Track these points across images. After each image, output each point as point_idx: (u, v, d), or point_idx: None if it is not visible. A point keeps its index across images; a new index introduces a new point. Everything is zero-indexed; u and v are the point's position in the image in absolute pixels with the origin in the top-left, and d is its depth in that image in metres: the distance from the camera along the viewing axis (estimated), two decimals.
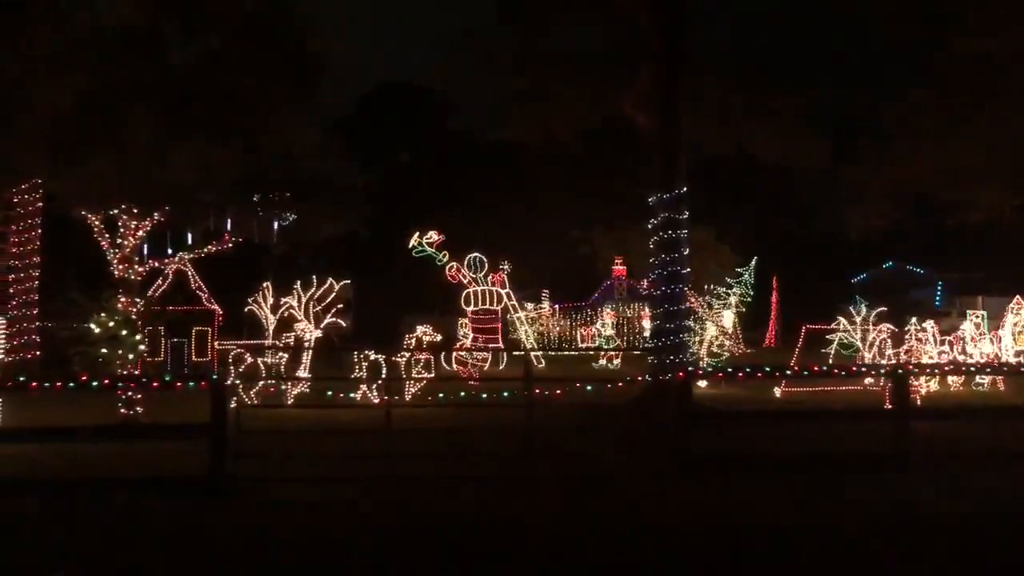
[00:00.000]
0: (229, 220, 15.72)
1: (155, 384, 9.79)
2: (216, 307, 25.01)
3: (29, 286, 21.64)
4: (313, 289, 21.51)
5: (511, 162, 40.40)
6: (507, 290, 28.77)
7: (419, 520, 8.56)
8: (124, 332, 13.12)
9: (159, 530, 8.21)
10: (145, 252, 14.79)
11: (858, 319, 22.40)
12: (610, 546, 7.60)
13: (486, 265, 27.36)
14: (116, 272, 13.50)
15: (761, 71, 20.06)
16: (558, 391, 16.55)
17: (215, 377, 9.86)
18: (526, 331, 35.14)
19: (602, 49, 20.56)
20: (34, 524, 8.43)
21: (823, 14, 23.66)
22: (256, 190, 24.82)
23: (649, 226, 17.35)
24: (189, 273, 24.54)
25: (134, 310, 13.32)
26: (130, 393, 13.45)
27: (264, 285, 21.82)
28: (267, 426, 11.41)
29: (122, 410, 13.66)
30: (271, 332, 21.16)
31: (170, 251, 17.50)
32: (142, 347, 13.76)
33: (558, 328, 35.44)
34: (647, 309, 40.69)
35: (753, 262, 29.75)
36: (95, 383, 10.11)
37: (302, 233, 37.29)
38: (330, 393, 16.24)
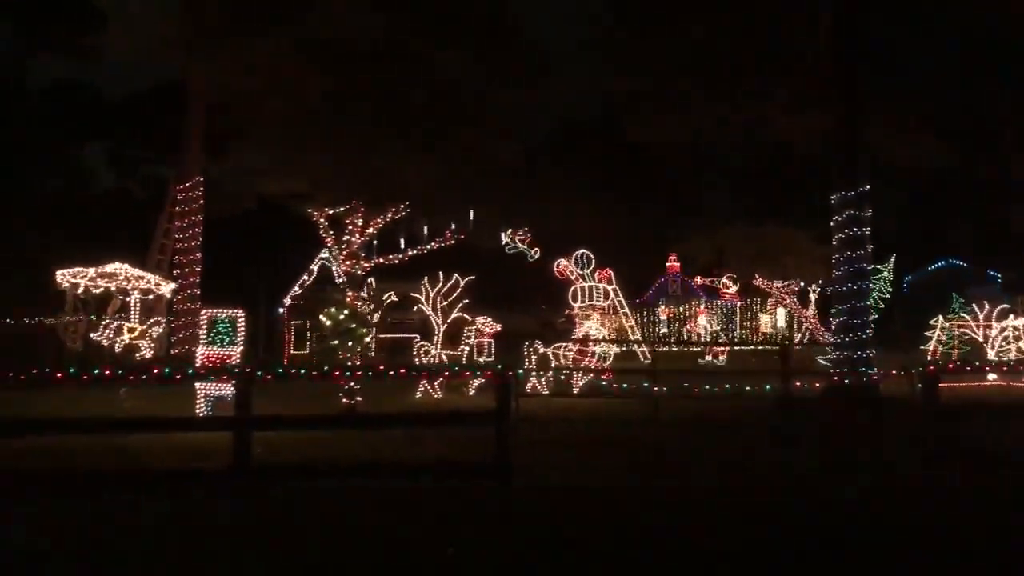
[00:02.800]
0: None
1: (447, 374, 10.12)
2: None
3: (192, 280, 22.47)
4: (440, 284, 21.98)
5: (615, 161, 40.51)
6: (613, 286, 28.97)
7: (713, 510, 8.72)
8: (353, 326, 13.59)
9: (459, 515, 8.35)
10: (374, 249, 15.31)
11: (980, 316, 22.52)
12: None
13: (593, 262, 27.62)
14: (342, 268, 13.96)
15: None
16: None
17: (500, 368, 10.22)
18: (631, 326, 35.38)
19: (748, 54, 20.73)
20: (368, 504, 8.77)
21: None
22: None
23: (832, 224, 17.50)
24: (333, 268, 25.19)
25: (360, 304, 13.79)
26: (352, 383, 13.97)
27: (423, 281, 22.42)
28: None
29: (344, 399, 14.18)
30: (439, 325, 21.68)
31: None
32: (368, 339, 14.24)
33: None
34: (703, 306, 41.20)
35: (892, 260, 29.58)
36: (371, 372, 10.53)
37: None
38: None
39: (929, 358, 25.64)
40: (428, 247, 17.00)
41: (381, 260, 15.69)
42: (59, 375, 9.46)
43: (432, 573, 6.58)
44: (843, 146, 17.22)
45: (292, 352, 24.54)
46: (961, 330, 24.66)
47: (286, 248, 28.48)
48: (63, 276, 14.61)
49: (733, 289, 40.70)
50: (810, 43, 18.56)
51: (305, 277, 24.90)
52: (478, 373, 10.77)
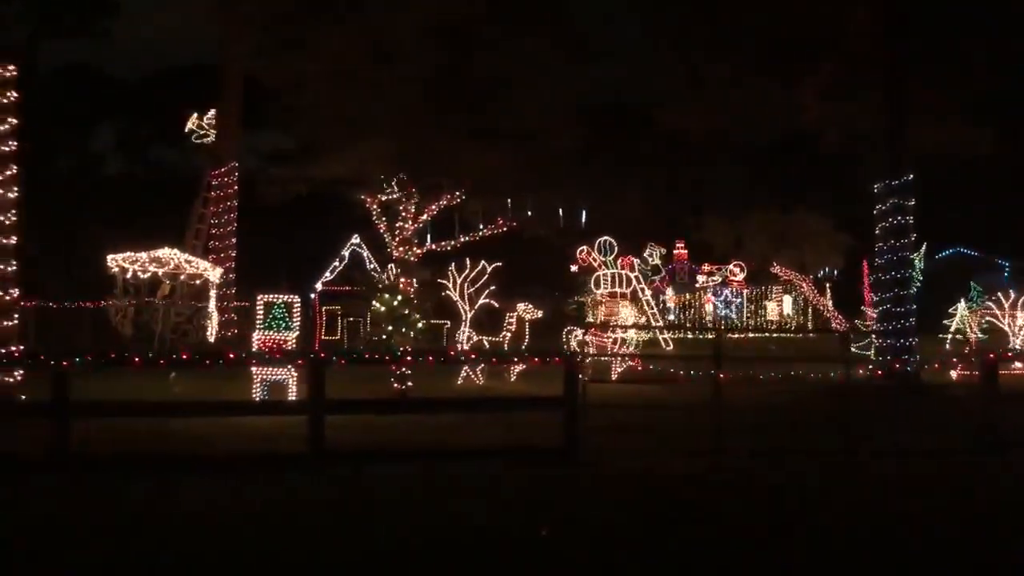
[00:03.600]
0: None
1: (516, 360, 10.19)
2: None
3: (228, 266, 22.50)
4: (467, 271, 22.03)
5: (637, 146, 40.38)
6: (636, 273, 29.04)
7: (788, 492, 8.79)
8: (406, 312, 13.64)
9: (534, 498, 8.42)
10: (428, 236, 15.37)
11: (1006, 305, 22.66)
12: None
13: (616, 248, 27.67)
14: (395, 254, 14.01)
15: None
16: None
17: (569, 353, 10.28)
18: (654, 313, 35.41)
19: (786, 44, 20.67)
20: (444, 487, 8.84)
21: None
22: None
23: (874, 212, 17.54)
24: (365, 254, 25.24)
25: (412, 291, 13.83)
26: (404, 369, 14.03)
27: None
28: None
29: (395, 385, 14.25)
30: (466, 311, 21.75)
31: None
32: (420, 325, 14.28)
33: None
34: (711, 295, 41.35)
35: (923, 248, 29.58)
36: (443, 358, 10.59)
37: None
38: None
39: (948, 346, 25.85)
40: (481, 233, 17.03)
41: (434, 246, 15.74)
42: (137, 359, 9.54)
43: (522, 552, 6.63)
44: (887, 135, 17.24)
45: (323, 337, 24.59)
46: (987, 318, 24.76)
47: (315, 233, 28.59)
48: (114, 260, 14.67)
49: (740, 277, 40.86)
50: (850, 30, 18.53)
51: (336, 263, 24.92)
52: (548, 360, 10.68)
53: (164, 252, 15.11)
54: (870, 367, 16.37)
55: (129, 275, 14.87)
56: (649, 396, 13.92)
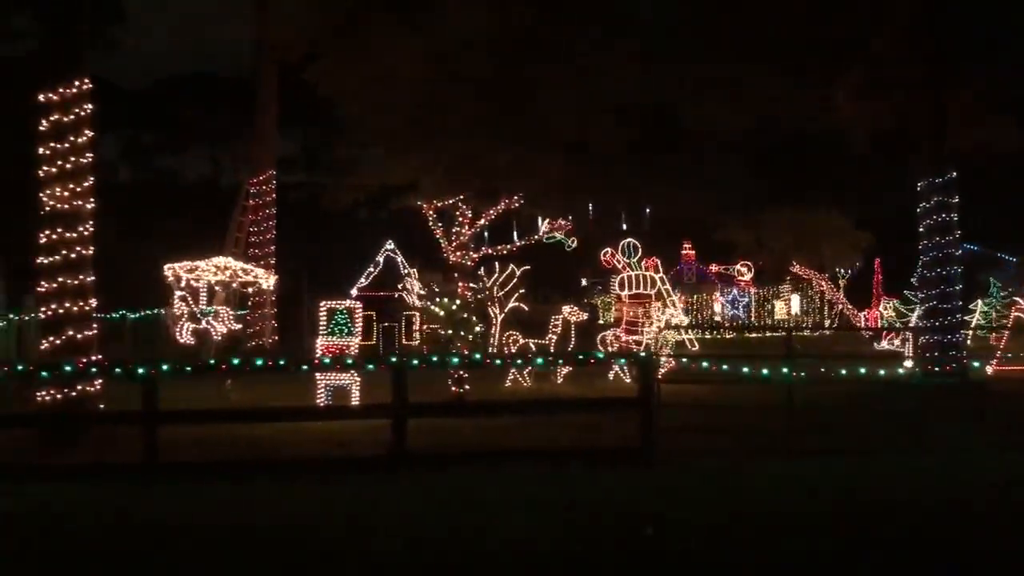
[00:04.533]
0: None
1: (592, 362, 10.33)
2: (424, 292, 25.84)
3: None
4: (496, 275, 22.15)
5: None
6: (660, 275, 29.14)
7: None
8: (464, 315, 13.79)
9: (621, 501, 8.47)
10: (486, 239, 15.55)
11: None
12: None
13: (640, 250, 27.76)
14: (451, 259, 14.16)
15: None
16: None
17: (643, 355, 10.42)
18: (678, 313, 35.41)
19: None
20: (530, 490, 8.89)
21: None
22: None
23: (918, 210, 17.62)
24: (398, 259, 25.39)
25: (469, 295, 13.99)
26: (461, 372, 14.17)
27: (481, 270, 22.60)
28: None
29: (452, 388, 14.39)
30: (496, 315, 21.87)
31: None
32: (478, 328, 14.43)
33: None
34: (718, 294, 41.39)
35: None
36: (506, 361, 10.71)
37: None
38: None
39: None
40: (536, 238, 17.19)
41: (490, 251, 15.89)
42: (224, 366, 9.70)
43: (623, 550, 6.76)
44: (930, 132, 17.32)
45: (361, 342, 24.73)
46: (1017, 313, 24.83)
47: (348, 239, 28.78)
48: (171, 269, 14.87)
49: (748, 276, 40.94)
50: (886, 28, 18.56)
51: (371, 268, 25.09)
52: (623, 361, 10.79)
53: (220, 260, 15.32)
54: (935, 366, 16.52)
55: (183, 283, 15.06)
56: (700, 395, 14.02)
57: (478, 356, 10.39)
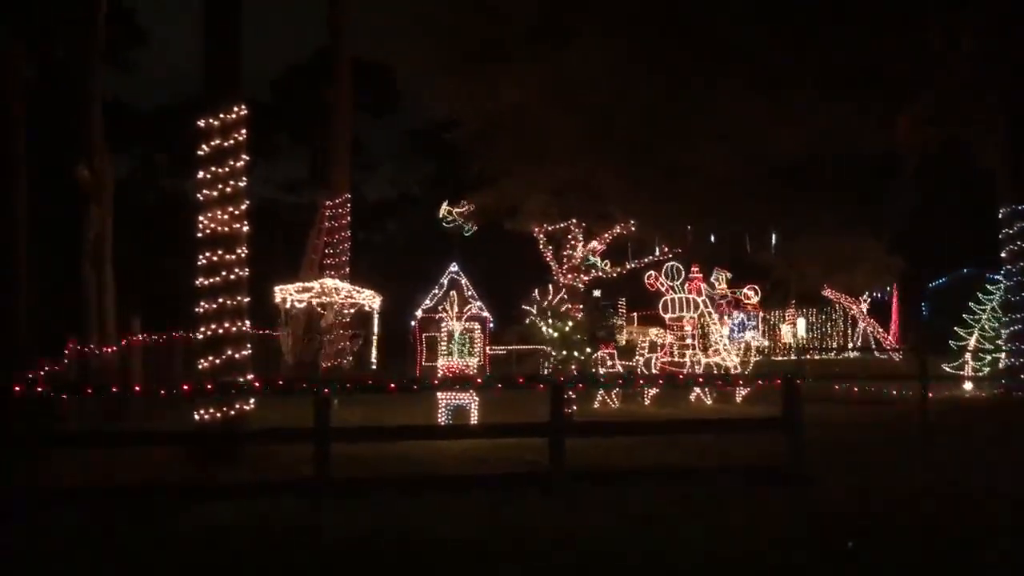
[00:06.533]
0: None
1: (720, 383, 10.62)
2: (487, 314, 26.06)
3: None
4: (550, 296, 22.39)
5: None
6: (703, 298, 29.43)
7: None
8: (577, 337, 14.09)
9: (787, 516, 8.74)
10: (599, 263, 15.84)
11: None
12: None
13: (683, 274, 28.07)
14: (562, 280, 14.48)
15: None
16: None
17: (789, 375, 10.70)
18: (720, 336, 35.63)
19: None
20: (692, 509, 9.09)
21: None
22: None
23: (999, 237, 18.02)
24: (463, 282, 25.64)
25: (580, 316, 14.30)
26: (570, 392, 14.45)
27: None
28: None
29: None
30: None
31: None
32: (589, 349, 14.72)
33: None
34: (726, 318, 41.57)
35: None
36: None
37: None
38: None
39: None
40: (647, 259, 17.51)
41: (601, 274, 16.21)
42: (392, 386, 9.98)
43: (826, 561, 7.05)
44: (1009, 158, 17.73)
45: (424, 363, 24.95)
46: None
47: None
48: (282, 291, 15.15)
49: (754, 300, 41.18)
50: (952, 57, 18.96)
51: (436, 291, 25.34)
52: (760, 381, 11.06)
53: (330, 282, 15.62)
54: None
55: (288, 305, 15.36)
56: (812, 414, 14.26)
57: (628, 376, 10.64)
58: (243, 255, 11.39)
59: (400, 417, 14.05)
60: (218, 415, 11.03)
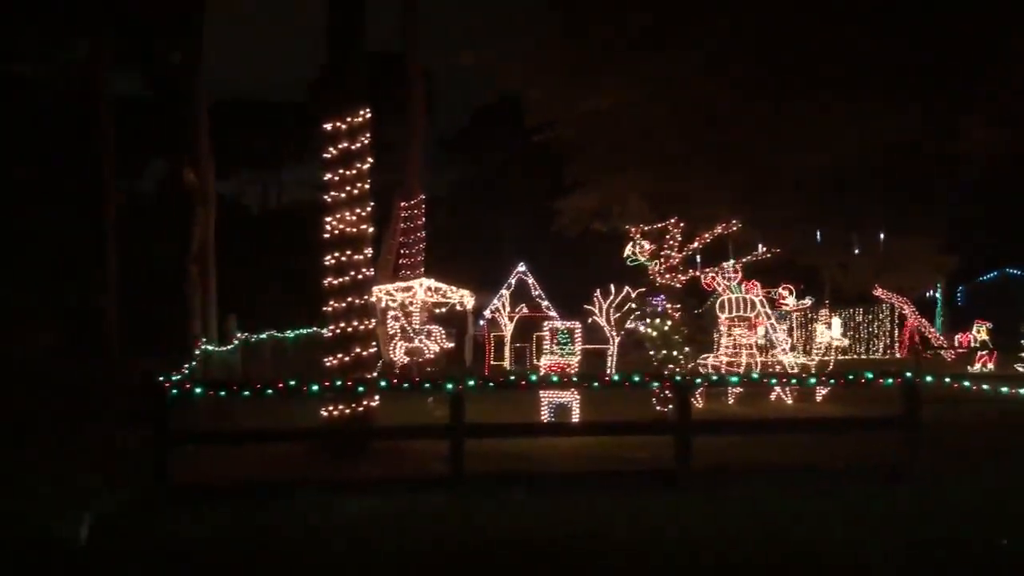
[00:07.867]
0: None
1: (862, 380, 10.75)
2: (554, 313, 26.35)
3: None
4: (612, 296, 22.52)
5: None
6: (760, 297, 29.44)
7: None
8: (675, 336, 14.28)
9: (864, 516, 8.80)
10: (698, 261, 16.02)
11: None
12: None
13: (740, 273, 28.06)
14: (659, 281, 14.66)
15: None
16: None
17: (909, 375, 10.82)
18: (777, 336, 35.62)
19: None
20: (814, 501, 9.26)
21: None
22: None
23: None
24: (530, 282, 25.98)
25: (679, 316, 14.48)
26: (665, 392, 14.62)
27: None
28: None
29: (657, 407, 14.86)
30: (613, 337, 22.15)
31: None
32: (687, 349, 14.90)
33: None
34: (763, 317, 41.22)
35: None
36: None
37: None
38: None
39: None
40: (745, 259, 17.69)
41: (698, 273, 16.38)
42: (523, 382, 10.24)
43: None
44: None
45: (492, 362, 25.30)
46: None
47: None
48: (381, 290, 15.46)
49: (789, 300, 40.93)
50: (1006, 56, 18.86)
51: (504, 291, 25.70)
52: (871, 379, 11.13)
53: (428, 282, 15.91)
54: None
55: (383, 304, 15.66)
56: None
57: (755, 375, 10.83)
58: (368, 255, 11.69)
59: (497, 415, 14.26)
60: (347, 411, 11.32)
